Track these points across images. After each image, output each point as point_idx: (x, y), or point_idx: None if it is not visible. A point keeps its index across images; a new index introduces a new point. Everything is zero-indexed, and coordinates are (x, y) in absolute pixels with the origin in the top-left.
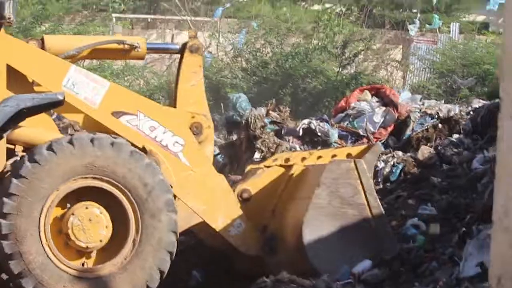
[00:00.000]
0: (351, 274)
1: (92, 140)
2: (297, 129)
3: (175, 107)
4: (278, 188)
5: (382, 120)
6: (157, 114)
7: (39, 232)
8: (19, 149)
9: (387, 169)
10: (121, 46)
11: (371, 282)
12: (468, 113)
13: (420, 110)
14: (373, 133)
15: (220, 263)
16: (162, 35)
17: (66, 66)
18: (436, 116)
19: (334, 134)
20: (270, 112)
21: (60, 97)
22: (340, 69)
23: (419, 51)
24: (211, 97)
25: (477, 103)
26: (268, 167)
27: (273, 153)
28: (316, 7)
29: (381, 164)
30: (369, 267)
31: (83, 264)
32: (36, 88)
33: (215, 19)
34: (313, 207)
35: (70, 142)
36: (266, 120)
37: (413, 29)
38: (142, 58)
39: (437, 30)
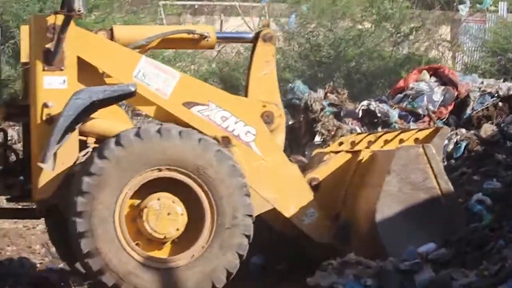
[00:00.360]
0: (417, 254)
1: (159, 131)
2: (356, 110)
3: (246, 96)
4: (346, 175)
5: (441, 99)
6: (229, 104)
7: (115, 227)
8: (91, 140)
9: (451, 146)
10: (190, 36)
11: (438, 262)
12: None
13: (480, 89)
14: (433, 112)
15: (285, 248)
16: (211, 21)
17: (137, 57)
18: (496, 95)
19: (394, 114)
20: (328, 94)
21: (132, 89)
22: (395, 48)
23: (471, 30)
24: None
25: None
26: (335, 152)
27: (333, 136)
28: None
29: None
30: (434, 248)
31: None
32: (106, 80)
33: (263, 3)
34: (384, 195)
35: (137, 134)
36: (324, 103)
37: (464, 9)
38: (212, 47)
39: (486, 10)
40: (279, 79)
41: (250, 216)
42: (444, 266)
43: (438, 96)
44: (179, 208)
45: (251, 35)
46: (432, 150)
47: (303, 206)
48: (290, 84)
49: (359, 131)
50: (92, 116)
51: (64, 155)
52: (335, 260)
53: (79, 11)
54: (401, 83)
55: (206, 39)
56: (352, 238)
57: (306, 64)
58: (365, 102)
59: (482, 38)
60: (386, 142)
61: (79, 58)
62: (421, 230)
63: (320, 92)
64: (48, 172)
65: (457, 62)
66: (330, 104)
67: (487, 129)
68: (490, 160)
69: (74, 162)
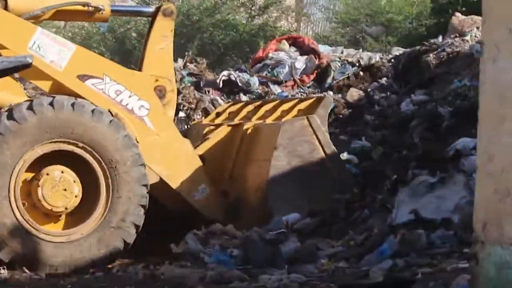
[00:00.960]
0: (282, 224)
1: (72, 105)
2: (218, 81)
3: (140, 70)
4: (231, 150)
5: (303, 67)
6: (123, 77)
7: (9, 193)
8: None
9: None
10: (85, 8)
11: (304, 232)
12: (389, 61)
13: (340, 58)
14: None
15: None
16: None
17: (32, 28)
18: (357, 64)
19: (255, 83)
20: (188, 64)
21: (30, 60)
22: (250, 20)
23: (320, 1)
24: (118, 52)
25: (397, 50)
26: (214, 125)
27: (195, 109)
28: None
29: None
30: (299, 218)
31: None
32: (1, 51)
33: None
34: (273, 170)
35: (51, 104)
36: (183, 73)
37: None
38: (106, 20)
39: None
40: (131, 49)
41: (137, 226)
42: (309, 236)
43: (300, 64)
44: (77, 188)
45: (151, 9)
46: (317, 121)
47: (194, 182)
48: None
49: (220, 101)
50: None
51: None
52: (200, 229)
53: None
54: (259, 53)
55: (100, 12)
56: (242, 214)
57: None
58: (225, 72)
59: (331, 8)
60: (267, 112)
61: None
62: (312, 200)
63: (180, 62)
64: None
65: (306, 33)
66: (189, 74)
67: (353, 93)
68: (358, 121)
69: None
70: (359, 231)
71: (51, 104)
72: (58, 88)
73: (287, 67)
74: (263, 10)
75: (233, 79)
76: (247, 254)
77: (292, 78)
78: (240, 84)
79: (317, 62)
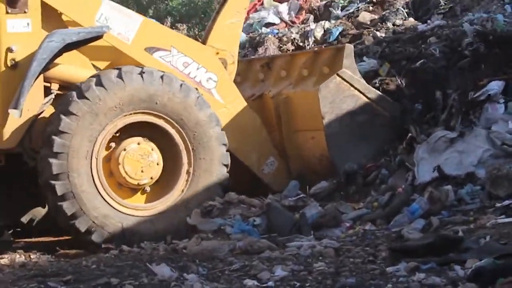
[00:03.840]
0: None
1: (141, 74)
2: None
3: (204, 42)
4: (268, 124)
5: (287, 10)
6: (190, 49)
7: (91, 169)
8: (54, 87)
9: (320, 32)
10: None
11: (320, 196)
12: None
13: None
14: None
15: None
16: None
17: (99, 0)
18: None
19: (243, 36)
20: None
21: (106, 30)
22: None
23: None
24: None
25: None
26: None
27: None
28: None
29: (312, 26)
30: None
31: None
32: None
33: None
34: (330, 138)
35: (119, 76)
36: None
37: None
38: None
39: None
40: None
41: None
42: (325, 200)
43: (283, 8)
44: (157, 159)
45: None
46: (347, 72)
47: (263, 155)
48: None
49: None
50: (56, 62)
51: (30, 101)
52: (215, 200)
53: None
54: None
55: None
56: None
57: None
58: None
59: None
60: (283, 71)
61: (42, 2)
62: (373, 146)
63: None
64: (14, 119)
65: None
66: None
67: (366, 16)
68: (366, 40)
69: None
70: (381, 192)
71: (119, 76)
72: (121, 64)
73: (271, 12)
74: None
75: None
76: (270, 222)
77: (281, 21)
78: None
79: (300, 2)
